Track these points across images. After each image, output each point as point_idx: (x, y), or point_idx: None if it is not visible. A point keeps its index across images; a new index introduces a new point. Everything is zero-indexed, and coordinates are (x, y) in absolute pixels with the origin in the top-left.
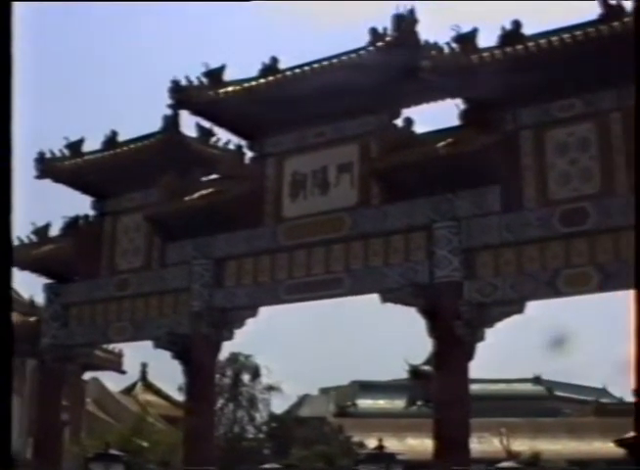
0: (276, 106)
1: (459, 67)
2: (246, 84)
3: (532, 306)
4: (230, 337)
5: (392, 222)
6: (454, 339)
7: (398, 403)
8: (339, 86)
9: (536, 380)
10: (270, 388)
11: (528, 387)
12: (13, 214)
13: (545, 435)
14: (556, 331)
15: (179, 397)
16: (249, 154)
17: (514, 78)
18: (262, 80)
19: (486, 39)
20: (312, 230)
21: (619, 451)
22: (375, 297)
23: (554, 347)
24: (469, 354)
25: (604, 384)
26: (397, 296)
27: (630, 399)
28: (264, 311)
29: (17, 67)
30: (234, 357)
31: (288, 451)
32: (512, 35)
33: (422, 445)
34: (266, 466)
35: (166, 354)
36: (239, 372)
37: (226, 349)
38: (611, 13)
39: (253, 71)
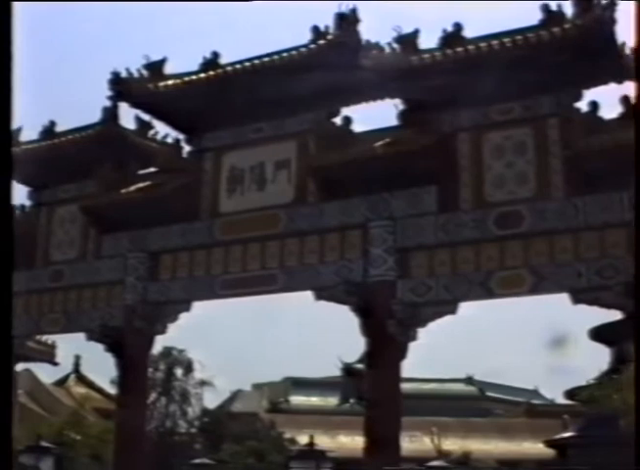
0: (215, 101)
1: (399, 67)
2: (186, 78)
3: (465, 307)
4: (163, 331)
5: (328, 220)
6: (387, 338)
7: (331, 401)
8: (278, 83)
9: (469, 380)
10: (203, 382)
11: (461, 387)
12: None
13: (476, 435)
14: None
15: (112, 390)
16: (187, 148)
17: (453, 80)
18: (202, 75)
19: (428, 41)
20: (248, 226)
21: (549, 452)
22: (309, 294)
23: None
24: (401, 353)
25: (535, 385)
26: (331, 293)
27: (560, 400)
28: (198, 306)
29: None
30: (167, 351)
31: (219, 447)
32: (453, 38)
33: (353, 442)
34: (197, 461)
35: (100, 347)
36: (172, 366)
37: (159, 342)
38: (551, 19)
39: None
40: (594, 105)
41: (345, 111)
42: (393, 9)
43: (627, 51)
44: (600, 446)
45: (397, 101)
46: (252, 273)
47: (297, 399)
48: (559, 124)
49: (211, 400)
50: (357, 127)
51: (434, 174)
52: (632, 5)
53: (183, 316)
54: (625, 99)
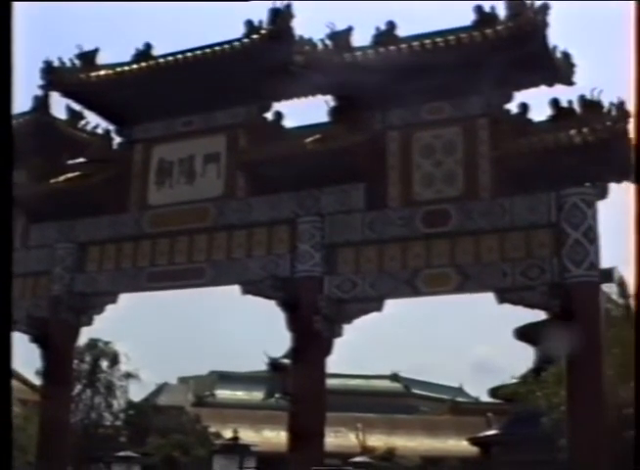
0: (146, 92)
1: (331, 64)
2: (118, 69)
3: (391, 304)
4: (89, 322)
5: (257, 215)
6: (312, 333)
7: (257, 395)
8: (210, 76)
9: (394, 377)
10: (128, 375)
11: (386, 384)
12: None
13: (401, 431)
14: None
15: (37, 381)
16: (117, 139)
17: (385, 79)
18: (134, 66)
19: (361, 39)
20: (177, 219)
21: (473, 449)
22: (236, 288)
23: None
24: (326, 349)
25: (460, 383)
26: (258, 288)
27: (485, 398)
28: (125, 298)
29: None
30: (93, 343)
31: (144, 440)
32: (386, 36)
33: (278, 437)
34: (122, 454)
35: (25, 338)
36: (97, 358)
37: (85, 334)
38: (484, 20)
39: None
40: (524, 107)
41: (277, 106)
42: (328, 6)
43: (558, 54)
44: (523, 444)
45: (329, 97)
46: (180, 266)
47: (223, 394)
48: (488, 125)
49: (137, 393)
50: (288, 123)
51: (364, 172)
52: (632, 5)
53: (109, 308)
54: (555, 102)
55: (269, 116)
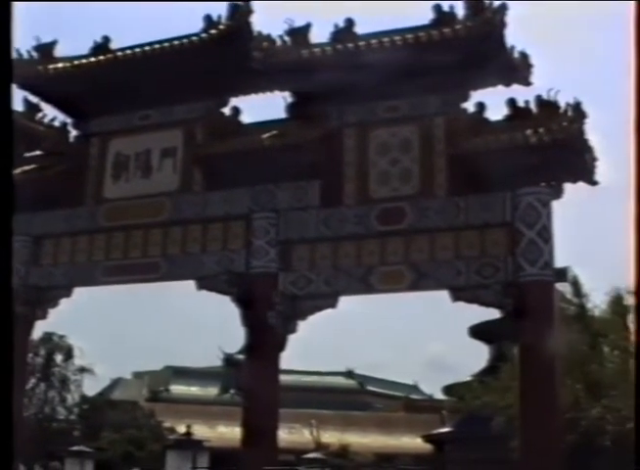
0: (104, 86)
1: (289, 60)
2: (75, 62)
3: (346, 301)
4: (44, 316)
5: (212, 210)
6: (267, 329)
7: (211, 391)
8: (167, 71)
9: (349, 374)
10: (83, 369)
11: (341, 380)
12: None
13: (355, 428)
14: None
15: None
16: (74, 132)
17: (343, 75)
18: (92, 59)
19: (320, 35)
20: (132, 213)
21: (426, 447)
22: (191, 283)
23: None
24: (281, 345)
25: (415, 381)
26: (213, 283)
27: (439, 396)
28: (80, 292)
29: None
30: (47, 337)
31: (98, 434)
32: (344, 33)
33: (232, 432)
34: (76, 448)
35: None
36: (52, 352)
37: (40, 328)
38: (442, 19)
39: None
40: (481, 106)
41: (234, 101)
42: (287, 3)
43: (516, 54)
44: (475, 443)
45: (287, 94)
46: (135, 261)
47: (178, 389)
48: (445, 124)
49: (91, 388)
50: (246, 118)
51: (319, 168)
52: (632, 5)
53: (64, 302)
54: (512, 101)
55: (227, 111)
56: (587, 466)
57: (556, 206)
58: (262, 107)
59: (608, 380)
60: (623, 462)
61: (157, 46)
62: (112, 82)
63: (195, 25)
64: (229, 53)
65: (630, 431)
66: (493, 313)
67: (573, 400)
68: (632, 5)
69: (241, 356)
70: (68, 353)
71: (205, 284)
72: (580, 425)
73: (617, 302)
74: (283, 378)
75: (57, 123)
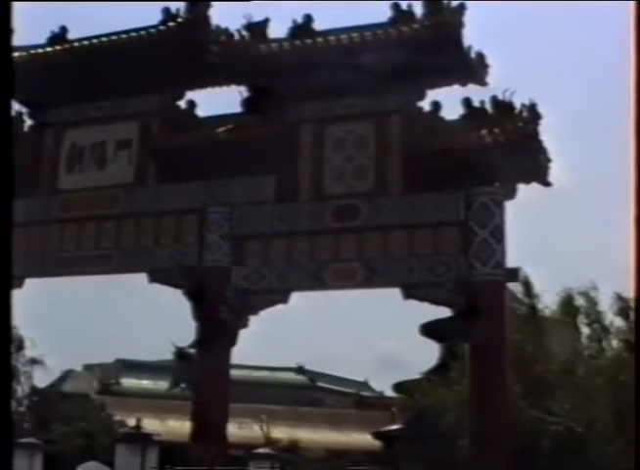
0: (60, 76)
1: (247, 54)
2: (32, 51)
3: (298, 297)
4: None
5: (166, 203)
6: (218, 323)
7: (162, 384)
8: (124, 62)
9: (299, 370)
10: (33, 361)
11: (291, 376)
12: None
13: (305, 424)
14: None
15: None
16: (29, 122)
17: (300, 71)
18: (49, 49)
19: (278, 31)
20: (86, 204)
21: (376, 443)
22: (144, 276)
23: None
24: (232, 340)
25: (365, 377)
26: (165, 277)
27: (390, 393)
28: (31, 283)
29: None
30: None
31: (48, 427)
32: (302, 29)
33: (183, 426)
34: (25, 440)
35: None
36: None
37: None
38: (401, 18)
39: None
40: (436, 105)
41: (191, 95)
42: None
43: (473, 54)
44: (425, 440)
45: (243, 88)
46: (88, 252)
47: (129, 382)
48: (401, 122)
49: (41, 380)
50: (202, 112)
51: (275, 163)
52: (632, 5)
53: (16, 293)
54: (467, 101)
55: (182, 104)
56: (530, 467)
57: (509, 206)
58: (218, 101)
59: (553, 380)
60: (564, 463)
61: (114, 37)
62: (68, 73)
63: (153, 18)
64: (186, 46)
65: (569, 432)
66: (445, 312)
67: (517, 401)
68: (632, 5)
69: (192, 350)
70: (19, 345)
71: (157, 277)
72: (522, 426)
73: (567, 302)
74: (233, 373)
75: (12, 113)
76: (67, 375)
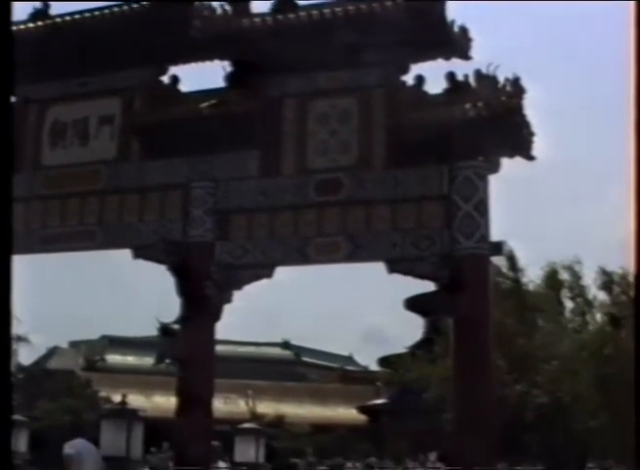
0: (42, 52)
1: (229, 29)
2: (15, 27)
3: (282, 272)
4: None
5: (150, 179)
6: (202, 299)
7: (147, 360)
8: (107, 38)
9: (284, 345)
10: (19, 338)
11: (277, 351)
12: None
13: (291, 399)
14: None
15: None
16: (12, 99)
17: (283, 46)
18: (31, 25)
19: (261, 6)
20: (69, 181)
21: (361, 418)
22: (128, 252)
23: None
24: (216, 315)
25: (350, 352)
26: (149, 252)
27: (375, 367)
28: (16, 260)
29: None
30: None
31: (34, 404)
32: (285, 4)
33: (168, 402)
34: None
35: None
36: None
37: None
38: None
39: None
40: (420, 79)
41: (173, 70)
42: None
43: (456, 28)
44: (410, 414)
45: (226, 63)
46: (71, 229)
47: (114, 358)
48: (384, 96)
49: (27, 357)
50: (185, 87)
51: (258, 138)
52: (632, 5)
53: None
54: (451, 75)
55: (165, 79)
56: (514, 440)
57: (493, 180)
58: (202, 76)
59: (537, 354)
60: (547, 435)
61: (96, 13)
62: (51, 49)
63: None
64: (169, 21)
65: (553, 406)
66: (430, 286)
67: (501, 376)
68: (632, 5)
69: (177, 326)
70: None
71: (141, 253)
72: (507, 400)
73: (551, 276)
74: (218, 348)
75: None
76: (52, 352)
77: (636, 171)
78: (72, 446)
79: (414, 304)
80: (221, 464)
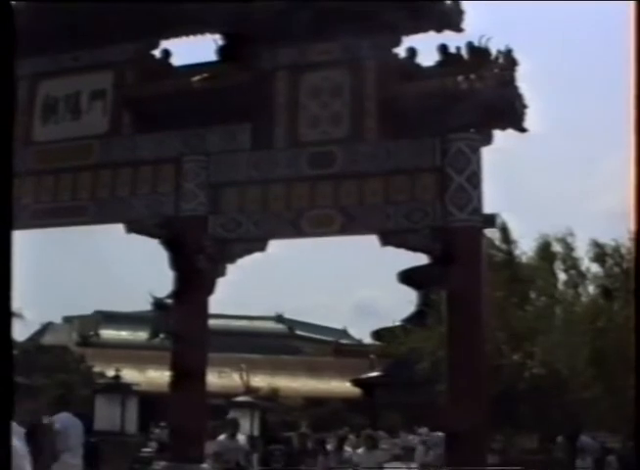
0: (33, 27)
1: (220, 1)
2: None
3: (276, 245)
4: None
5: (142, 153)
6: (196, 273)
7: (141, 335)
8: (97, 11)
9: (278, 318)
10: (13, 314)
11: (270, 325)
12: None
13: (284, 372)
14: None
15: None
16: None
17: (274, 18)
18: (21, 0)
19: None
20: (61, 156)
21: (355, 390)
22: (121, 227)
23: None
24: (209, 289)
25: (344, 325)
26: (142, 227)
27: (368, 341)
28: None
29: None
30: None
31: (28, 379)
32: None
33: (162, 377)
34: None
35: None
36: None
37: None
38: None
39: None
40: (412, 51)
41: (165, 44)
42: None
43: (447, 0)
44: (404, 387)
45: (217, 36)
46: (63, 204)
47: (108, 333)
48: (376, 68)
49: (21, 333)
50: (176, 61)
51: (250, 111)
52: (632, 5)
53: None
54: (443, 47)
55: (157, 53)
56: (509, 412)
57: (486, 153)
58: (193, 50)
59: (531, 325)
60: (541, 406)
61: None
62: (42, 23)
63: None
64: None
65: (549, 375)
66: (423, 259)
67: (496, 347)
68: (632, 5)
69: (170, 300)
70: None
71: (134, 227)
72: (502, 372)
73: (544, 248)
74: (212, 322)
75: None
76: (46, 327)
77: (636, 137)
78: (58, 420)
79: (407, 277)
80: (240, 436)
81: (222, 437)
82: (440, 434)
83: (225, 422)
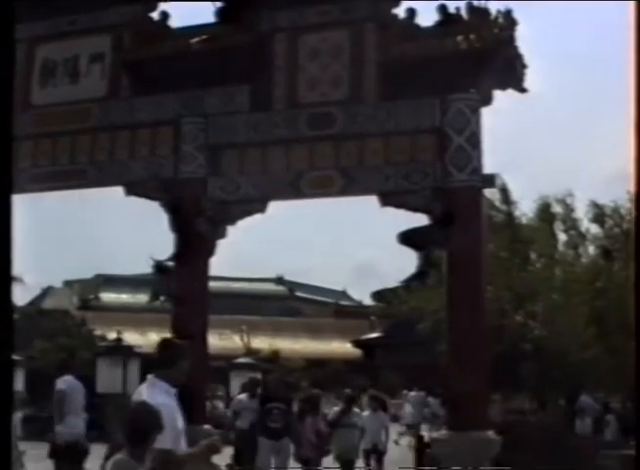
0: None
1: None
2: None
3: (276, 207)
4: None
5: (140, 115)
6: (196, 235)
7: (142, 298)
8: None
9: (278, 280)
10: (13, 278)
11: (271, 286)
12: None
13: (285, 334)
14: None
15: None
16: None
17: None
18: None
19: None
20: (59, 119)
21: (355, 351)
22: (120, 189)
23: None
24: (210, 251)
25: (344, 287)
26: (141, 189)
27: (369, 302)
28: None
29: None
30: None
31: (30, 343)
32: None
33: None
34: None
35: None
36: None
37: None
38: None
39: None
40: (411, 12)
41: (163, 6)
42: None
43: None
44: (404, 348)
45: None
46: (62, 168)
47: (108, 297)
48: (375, 30)
49: (22, 297)
50: (175, 24)
51: (249, 73)
52: (632, 5)
53: None
54: (442, 8)
55: (155, 16)
56: (511, 372)
57: (485, 113)
58: (192, 12)
59: (532, 286)
60: (544, 366)
61: None
62: None
63: None
64: None
65: (550, 336)
66: (424, 220)
67: (498, 308)
68: (632, 5)
69: (171, 263)
70: None
71: (133, 190)
72: (505, 332)
73: (544, 209)
74: (212, 284)
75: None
76: (46, 292)
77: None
78: (64, 382)
79: (407, 237)
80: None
81: (243, 396)
82: (422, 393)
83: (246, 381)
